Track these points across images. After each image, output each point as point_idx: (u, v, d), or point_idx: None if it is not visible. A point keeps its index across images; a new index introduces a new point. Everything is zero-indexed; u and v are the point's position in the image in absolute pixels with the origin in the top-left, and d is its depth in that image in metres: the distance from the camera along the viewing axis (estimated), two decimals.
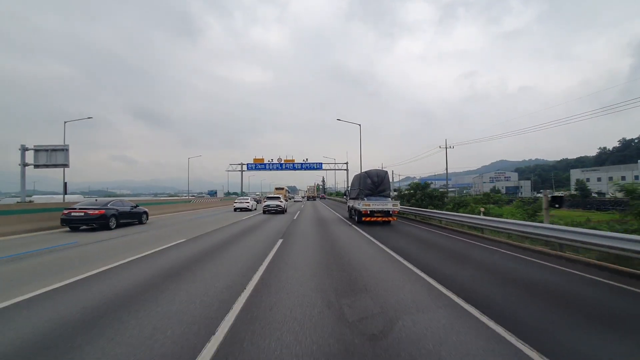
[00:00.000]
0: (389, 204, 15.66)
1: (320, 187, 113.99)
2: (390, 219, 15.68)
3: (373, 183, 16.52)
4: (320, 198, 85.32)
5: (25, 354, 2.96)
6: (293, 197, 62.31)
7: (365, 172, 17.48)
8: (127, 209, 15.19)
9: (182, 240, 10.13)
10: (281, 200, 25.50)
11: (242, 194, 59.02)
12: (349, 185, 22.18)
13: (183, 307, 4.10)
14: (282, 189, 63.49)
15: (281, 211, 24.44)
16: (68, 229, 13.10)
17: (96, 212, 12.82)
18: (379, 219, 15.46)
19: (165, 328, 3.48)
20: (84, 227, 13.13)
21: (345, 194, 27.11)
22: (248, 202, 28.93)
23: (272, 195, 28.59)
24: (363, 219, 15.35)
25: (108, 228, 13.15)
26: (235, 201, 30.25)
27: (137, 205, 16.34)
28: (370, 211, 15.24)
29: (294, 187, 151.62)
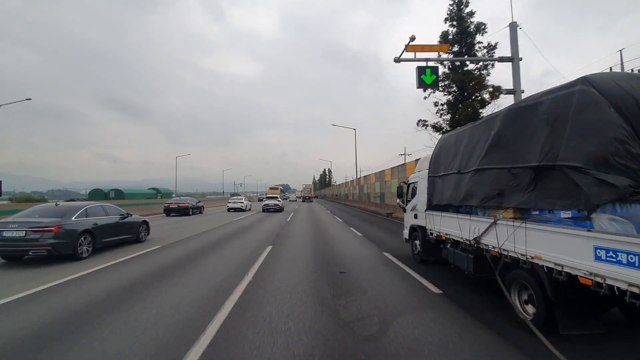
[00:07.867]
0: None
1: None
2: None
3: None
4: (315, 198, 77.34)
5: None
6: (288, 197, 66.97)
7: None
8: (194, 203, 24.49)
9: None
10: (279, 200, 28.23)
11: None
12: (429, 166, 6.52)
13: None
14: (277, 189, 65.82)
15: (279, 209, 26.88)
16: (165, 214, 22.39)
17: (184, 205, 22.26)
18: None
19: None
20: (173, 214, 22.29)
21: (401, 195, 8.52)
22: (242, 202, 28.09)
23: (271, 195, 32.53)
24: None
25: (188, 215, 22.36)
26: (229, 201, 29.68)
27: (199, 201, 25.83)
28: None
29: (287, 185, 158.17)
